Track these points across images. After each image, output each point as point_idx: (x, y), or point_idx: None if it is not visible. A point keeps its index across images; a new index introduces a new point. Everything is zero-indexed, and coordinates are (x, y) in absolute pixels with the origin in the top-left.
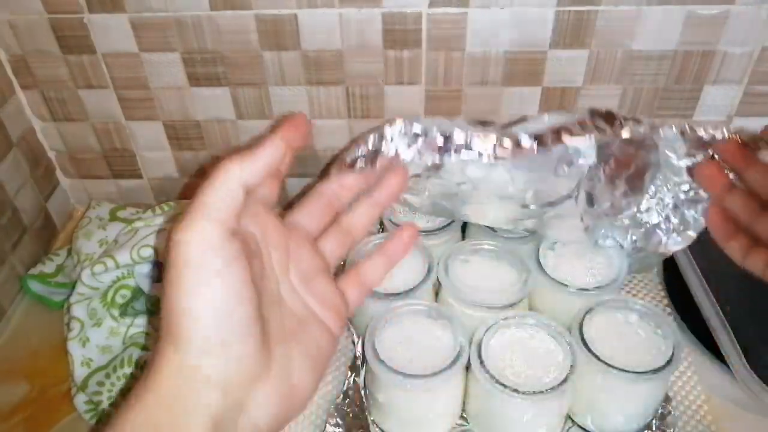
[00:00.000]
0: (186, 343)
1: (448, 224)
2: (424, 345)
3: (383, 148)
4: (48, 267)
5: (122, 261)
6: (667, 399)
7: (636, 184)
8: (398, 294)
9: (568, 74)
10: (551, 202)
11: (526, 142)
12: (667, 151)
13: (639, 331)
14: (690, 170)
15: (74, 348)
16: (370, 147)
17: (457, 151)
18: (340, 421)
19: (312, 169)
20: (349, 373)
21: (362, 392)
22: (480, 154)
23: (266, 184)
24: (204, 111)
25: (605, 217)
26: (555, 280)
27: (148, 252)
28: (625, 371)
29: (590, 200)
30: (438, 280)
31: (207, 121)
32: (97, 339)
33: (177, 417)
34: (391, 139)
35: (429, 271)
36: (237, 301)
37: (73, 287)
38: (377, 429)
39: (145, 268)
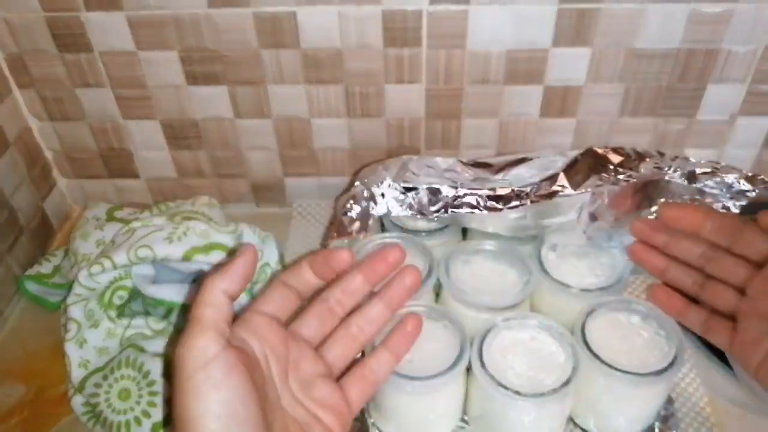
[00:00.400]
0: None
1: (449, 225)
2: (425, 346)
3: (372, 210)
4: (45, 267)
5: (119, 262)
6: (669, 400)
7: (641, 203)
8: None
9: (570, 73)
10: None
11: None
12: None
13: (642, 332)
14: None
15: (71, 349)
16: (361, 208)
17: (446, 209)
18: None
19: (311, 169)
20: None
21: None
22: (472, 210)
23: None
24: (202, 110)
25: (608, 228)
26: (557, 281)
27: (145, 253)
28: (628, 373)
29: (593, 218)
30: (439, 281)
31: (205, 120)
32: (94, 340)
33: None
34: (382, 196)
35: (430, 271)
36: (241, 407)
37: (70, 288)
38: (377, 431)
39: (143, 269)
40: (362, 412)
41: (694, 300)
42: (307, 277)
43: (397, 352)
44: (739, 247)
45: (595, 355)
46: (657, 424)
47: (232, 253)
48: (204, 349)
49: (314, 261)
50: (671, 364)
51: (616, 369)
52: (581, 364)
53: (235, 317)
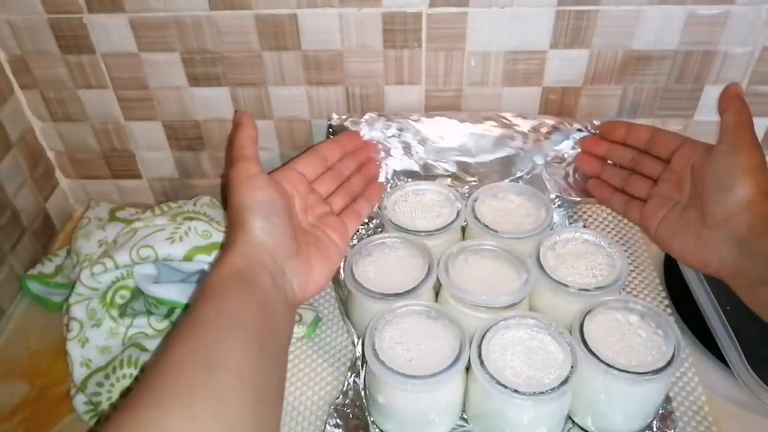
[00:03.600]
0: (249, 225)
1: (449, 224)
2: (424, 345)
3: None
4: (47, 267)
5: (121, 261)
6: (667, 399)
7: None
8: (398, 294)
9: (568, 74)
10: None
11: None
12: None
13: (640, 331)
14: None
15: (73, 349)
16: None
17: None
18: (340, 422)
19: None
20: (349, 373)
21: (362, 393)
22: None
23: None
24: (203, 111)
25: None
26: (555, 280)
27: (147, 252)
28: (626, 372)
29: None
30: (438, 280)
31: (206, 121)
32: (96, 339)
33: (250, 264)
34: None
35: (429, 271)
36: (277, 205)
37: (73, 288)
38: (377, 430)
39: (145, 269)
40: (362, 410)
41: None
42: (332, 148)
43: (370, 199)
44: (654, 149)
45: (594, 354)
46: (655, 422)
47: None
48: (250, 168)
49: (341, 139)
50: (669, 363)
51: (614, 368)
52: (579, 363)
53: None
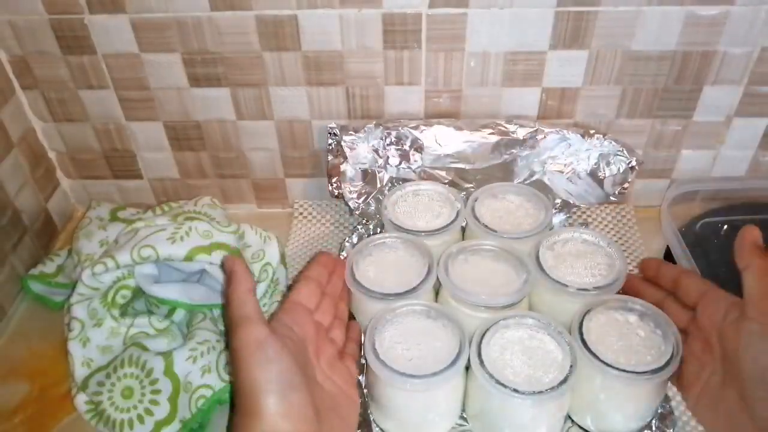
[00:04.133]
0: (264, 410)
1: (449, 224)
2: (424, 345)
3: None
4: (48, 267)
5: (123, 261)
6: (666, 399)
7: None
8: (398, 294)
9: (567, 75)
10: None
11: None
12: None
13: (639, 331)
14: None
15: (75, 348)
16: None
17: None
18: None
19: (312, 170)
20: None
21: (362, 392)
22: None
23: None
24: (204, 111)
25: None
26: (555, 280)
27: (148, 252)
28: (625, 371)
29: None
30: (438, 280)
31: (207, 121)
32: (97, 339)
33: None
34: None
35: (429, 271)
36: (292, 376)
37: (74, 287)
38: (377, 429)
39: (146, 269)
40: (362, 410)
41: None
42: (321, 271)
43: (355, 340)
44: (679, 293)
45: (593, 354)
46: (654, 422)
47: (233, 253)
48: (257, 332)
49: (322, 260)
50: (668, 363)
51: (613, 367)
52: (579, 363)
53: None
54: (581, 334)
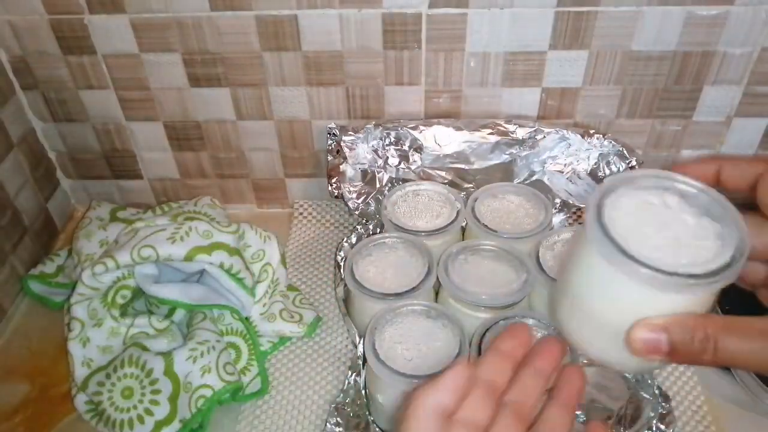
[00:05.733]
0: None
1: (449, 224)
2: (424, 345)
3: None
4: (48, 267)
5: (123, 261)
6: (666, 399)
7: None
8: (398, 294)
9: (567, 75)
10: None
11: None
12: None
13: (686, 217)
14: None
15: (75, 348)
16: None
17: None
18: (340, 421)
19: (312, 170)
20: (349, 373)
21: (362, 392)
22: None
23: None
24: (204, 111)
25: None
26: (555, 280)
27: (148, 252)
28: (676, 274)
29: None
30: (438, 280)
31: (207, 121)
32: (97, 339)
33: None
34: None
35: (429, 271)
36: None
37: (74, 287)
38: (377, 428)
39: (146, 269)
40: (362, 410)
41: None
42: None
43: (570, 405)
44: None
45: (622, 251)
46: (655, 422)
47: (233, 253)
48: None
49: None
50: (732, 261)
51: (656, 269)
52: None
53: None
54: (599, 217)
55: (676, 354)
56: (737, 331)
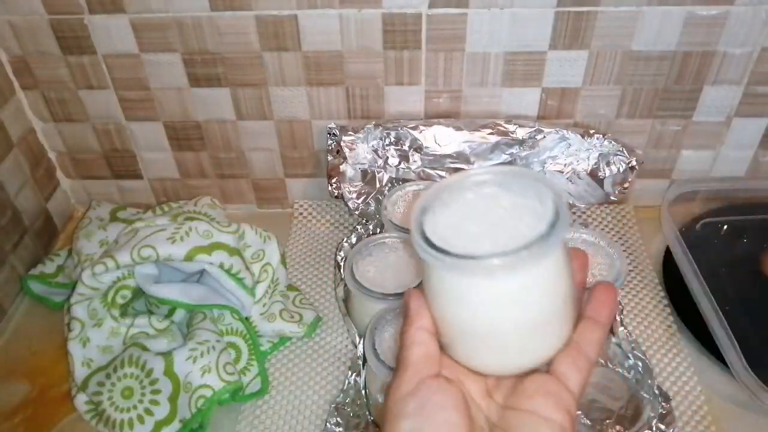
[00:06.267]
0: None
1: None
2: None
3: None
4: (48, 267)
5: (123, 261)
6: (666, 399)
7: None
8: (398, 294)
9: (567, 75)
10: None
11: None
12: None
13: (502, 202)
14: None
15: (75, 348)
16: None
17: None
18: (340, 421)
19: (312, 170)
20: (349, 373)
21: (362, 392)
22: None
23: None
24: (204, 111)
25: None
26: None
27: (148, 252)
28: (497, 255)
29: None
30: None
31: (207, 121)
32: (97, 339)
33: None
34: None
35: None
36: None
37: (74, 288)
38: (377, 429)
39: (146, 269)
40: (362, 410)
41: None
42: None
43: (599, 319)
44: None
45: (440, 250)
46: (655, 422)
47: (233, 253)
48: (402, 386)
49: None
50: (552, 226)
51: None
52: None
53: None
54: (423, 233)
55: None
56: None
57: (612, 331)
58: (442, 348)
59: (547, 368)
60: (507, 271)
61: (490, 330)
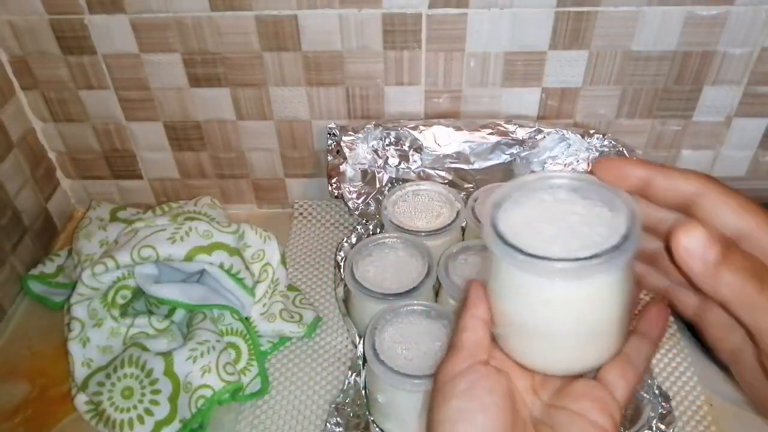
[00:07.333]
0: None
1: (449, 224)
2: (424, 345)
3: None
4: (48, 267)
5: (123, 261)
6: (666, 399)
7: None
8: (398, 294)
9: (567, 75)
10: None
11: None
12: None
13: (576, 208)
14: None
15: (75, 348)
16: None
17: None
18: (340, 421)
19: (312, 170)
20: (349, 373)
21: (362, 392)
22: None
23: None
24: (204, 112)
25: None
26: None
27: (148, 253)
28: (568, 260)
29: None
30: (438, 280)
31: (207, 121)
32: (97, 339)
33: None
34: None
35: (429, 271)
36: (481, 417)
37: (74, 288)
38: (377, 428)
39: (146, 269)
40: (362, 410)
41: None
42: None
43: (651, 335)
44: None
45: (513, 247)
46: (655, 422)
47: (233, 253)
48: (453, 366)
49: None
50: (625, 239)
51: (548, 259)
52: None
53: None
54: (496, 227)
55: (695, 273)
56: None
57: None
58: (495, 339)
59: (594, 375)
60: (575, 276)
61: (546, 330)
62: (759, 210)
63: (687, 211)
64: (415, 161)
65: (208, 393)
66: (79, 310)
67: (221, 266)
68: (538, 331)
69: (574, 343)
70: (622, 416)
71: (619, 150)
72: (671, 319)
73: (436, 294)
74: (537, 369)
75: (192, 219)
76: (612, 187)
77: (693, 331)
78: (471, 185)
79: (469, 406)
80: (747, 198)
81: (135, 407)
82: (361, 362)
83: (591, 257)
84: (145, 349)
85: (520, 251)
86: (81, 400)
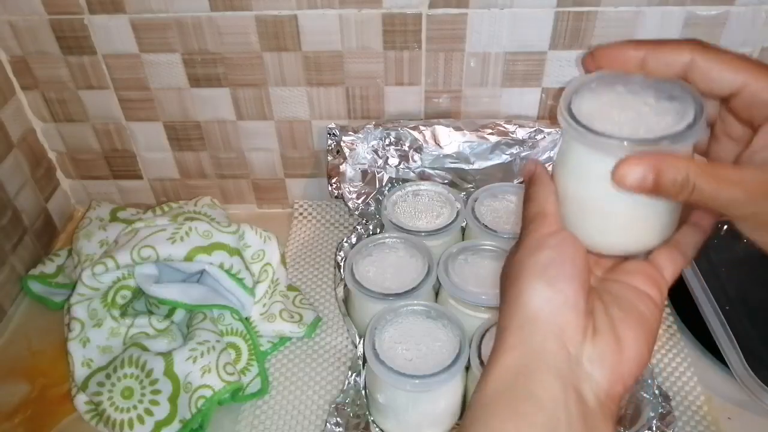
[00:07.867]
0: (525, 295)
1: (449, 224)
2: (424, 345)
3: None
4: (48, 267)
5: (123, 261)
6: (666, 399)
7: None
8: (398, 294)
9: (567, 75)
10: None
11: None
12: None
13: (648, 99)
14: None
15: (75, 348)
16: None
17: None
18: (340, 421)
19: (312, 170)
20: (349, 373)
21: (362, 392)
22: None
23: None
24: (204, 112)
25: None
26: None
27: (148, 253)
28: (637, 140)
29: None
30: (438, 280)
31: (207, 121)
32: (97, 339)
33: (526, 365)
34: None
35: (429, 271)
36: (569, 263)
37: (74, 288)
38: (377, 429)
39: (146, 269)
40: (362, 410)
41: None
42: None
43: (701, 225)
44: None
45: (587, 128)
46: (655, 421)
47: (233, 253)
48: (544, 228)
49: None
50: (693, 123)
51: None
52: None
53: None
54: (569, 109)
55: (658, 189)
56: (714, 178)
57: None
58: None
59: (645, 257)
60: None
61: (606, 209)
62: (753, 62)
63: (685, 77)
64: (415, 161)
65: (208, 393)
66: (79, 310)
67: (221, 266)
68: (598, 210)
69: (631, 222)
70: (667, 294)
71: None
72: (671, 319)
73: (436, 294)
74: (594, 248)
75: (192, 219)
76: (682, 83)
77: (693, 331)
78: (471, 185)
79: (559, 258)
80: (739, 54)
81: (135, 407)
82: (361, 362)
83: (656, 139)
84: (145, 349)
85: (591, 130)
86: (81, 400)
